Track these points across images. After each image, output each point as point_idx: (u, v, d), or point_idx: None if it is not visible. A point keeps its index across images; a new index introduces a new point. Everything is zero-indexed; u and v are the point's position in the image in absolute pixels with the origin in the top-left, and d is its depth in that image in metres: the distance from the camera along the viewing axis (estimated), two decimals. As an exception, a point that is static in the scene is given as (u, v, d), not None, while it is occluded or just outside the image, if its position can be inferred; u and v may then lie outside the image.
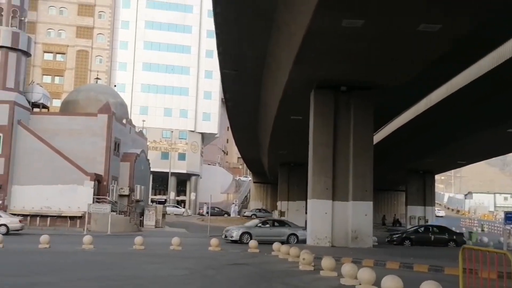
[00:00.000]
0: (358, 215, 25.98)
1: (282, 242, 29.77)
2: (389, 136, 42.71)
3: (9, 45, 42.17)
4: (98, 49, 76.08)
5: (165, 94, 79.22)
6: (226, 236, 30.49)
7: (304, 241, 29.10)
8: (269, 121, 36.76)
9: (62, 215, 39.31)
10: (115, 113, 43.60)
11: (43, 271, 14.90)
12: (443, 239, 34.53)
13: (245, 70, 30.66)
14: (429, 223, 50.97)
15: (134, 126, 50.93)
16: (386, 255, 21.80)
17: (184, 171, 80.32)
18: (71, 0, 75.25)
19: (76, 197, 39.28)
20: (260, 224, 31.54)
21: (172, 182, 77.32)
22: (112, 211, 37.75)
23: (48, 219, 39.39)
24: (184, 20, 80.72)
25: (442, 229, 36.46)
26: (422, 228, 36.72)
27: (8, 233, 29.73)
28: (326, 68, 24.15)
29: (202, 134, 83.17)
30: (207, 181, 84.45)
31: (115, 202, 41.89)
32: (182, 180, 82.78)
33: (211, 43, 79.86)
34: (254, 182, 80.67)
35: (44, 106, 46.51)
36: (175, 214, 64.66)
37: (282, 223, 32.88)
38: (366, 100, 26.68)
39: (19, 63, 42.93)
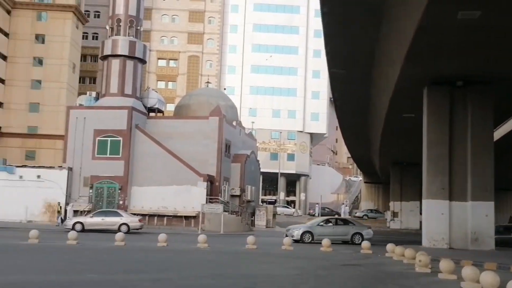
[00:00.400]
0: (478, 216, 24.69)
1: (346, 242, 29.10)
2: None
3: (126, 53, 44.58)
4: (208, 53, 78.39)
5: (273, 96, 79.95)
6: (287, 236, 29.35)
7: (370, 236, 28.86)
8: (380, 120, 35.90)
9: (178, 214, 40.81)
10: (226, 115, 44.62)
11: (162, 268, 15.50)
12: None
13: (354, 68, 30.16)
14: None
15: (243, 128, 51.88)
16: (510, 258, 20.50)
17: (293, 172, 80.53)
18: (182, 7, 78.17)
19: (190, 198, 40.60)
20: (322, 223, 30.35)
21: (281, 182, 77.86)
22: (224, 211, 38.66)
23: (165, 218, 41.06)
24: (291, 21, 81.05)
25: None
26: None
27: (129, 231, 31.29)
28: (440, 63, 23.16)
29: (311, 134, 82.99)
30: (317, 182, 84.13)
31: (227, 202, 42.85)
32: (292, 181, 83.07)
33: (319, 43, 79.52)
34: (365, 182, 79.24)
35: (159, 111, 48.65)
36: (285, 214, 65.02)
37: (346, 222, 31.60)
38: (485, 95, 25.28)
39: (136, 70, 45.22)
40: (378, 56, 27.36)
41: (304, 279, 14.04)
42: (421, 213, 50.23)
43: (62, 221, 38.41)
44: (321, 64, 78.69)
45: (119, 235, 23.10)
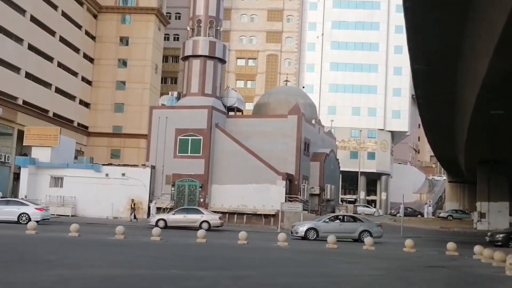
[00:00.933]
0: None
1: (354, 240, 27.91)
2: None
3: (206, 54, 45.26)
4: (287, 52, 78.37)
5: (352, 93, 78.80)
6: (292, 232, 28.53)
7: (380, 234, 27.94)
8: (465, 117, 34.43)
9: (257, 213, 40.97)
10: (304, 114, 44.37)
11: (243, 266, 15.58)
12: None
13: (437, 64, 29.04)
14: None
15: (322, 126, 51.44)
16: None
17: (374, 171, 79.06)
18: (261, 7, 78.61)
19: (270, 196, 40.65)
20: (327, 220, 29.12)
21: (361, 181, 76.68)
22: (303, 210, 38.42)
23: (244, 216, 41.31)
24: (372, 17, 79.55)
25: None
26: None
27: (209, 229, 31.74)
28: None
29: (392, 133, 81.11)
30: (398, 181, 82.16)
31: (306, 201, 42.61)
32: (372, 180, 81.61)
33: (400, 39, 77.61)
34: (449, 182, 76.59)
35: (239, 110, 49.10)
36: (365, 214, 63.78)
37: (354, 219, 30.18)
38: None
39: (216, 70, 45.83)
40: (464, 50, 26.23)
41: (388, 280, 13.68)
42: (511, 214, 48.00)
43: (135, 217, 39.74)
44: (403, 60, 76.82)
45: (200, 233, 23.45)
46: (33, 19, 51.92)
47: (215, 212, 37.10)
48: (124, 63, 64.82)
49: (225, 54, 47.04)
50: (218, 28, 46.48)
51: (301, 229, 28.21)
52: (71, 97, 60.38)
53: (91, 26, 64.22)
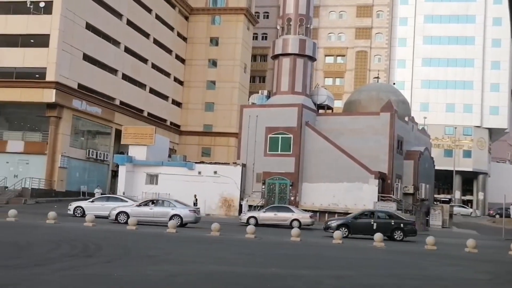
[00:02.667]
0: None
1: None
2: None
3: (296, 52, 45.17)
4: (377, 48, 76.68)
5: (446, 89, 75.86)
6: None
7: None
8: None
9: (349, 212, 40.28)
10: (397, 111, 43.24)
11: (341, 266, 15.28)
12: None
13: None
14: None
15: (416, 124, 49.93)
16: None
17: (470, 169, 75.74)
18: (350, 3, 77.38)
19: (361, 195, 39.96)
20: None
21: (456, 180, 73.70)
22: (397, 209, 37.40)
23: (336, 215, 40.76)
24: (467, 10, 76.21)
25: None
26: None
27: (300, 227, 31.52)
28: None
29: (490, 130, 77.32)
30: (497, 180, 78.17)
31: (400, 200, 41.49)
32: (468, 179, 78.24)
33: (498, 32, 74.24)
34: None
35: (329, 107, 48.65)
36: (461, 215, 61.52)
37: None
38: None
39: (306, 68, 45.63)
40: None
41: (498, 285, 12.91)
42: None
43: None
44: (501, 54, 73.30)
45: (295, 231, 23.34)
46: (129, 23, 53.99)
47: (305, 210, 36.92)
48: (214, 63, 66.01)
49: (315, 52, 46.75)
50: (308, 25, 46.27)
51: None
52: (164, 97, 62.24)
53: (183, 27, 65.90)
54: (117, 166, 44.97)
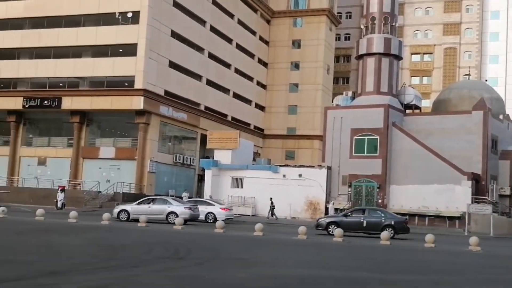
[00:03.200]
0: None
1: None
2: None
3: (381, 51, 44.12)
4: (467, 44, 73.48)
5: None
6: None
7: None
8: None
9: (440, 215, 38.84)
10: (491, 108, 41.24)
11: (437, 270, 14.53)
12: None
13: None
14: None
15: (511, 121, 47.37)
16: None
17: None
18: (437, -2, 74.82)
19: (453, 197, 38.38)
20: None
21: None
22: (493, 211, 35.55)
23: (426, 218, 39.41)
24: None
25: None
26: None
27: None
28: None
29: None
30: None
31: (496, 202, 39.45)
32: None
33: None
34: None
35: (416, 107, 47.17)
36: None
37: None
38: None
39: (391, 67, 44.47)
40: None
41: None
42: None
43: (273, 215, 39.99)
44: None
45: (384, 234, 22.62)
46: (212, 29, 54.79)
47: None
48: (296, 65, 65.77)
49: (401, 50, 45.49)
50: (393, 24, 45.12)
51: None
52: (248, 101, 62.67)
53: (265, 31, 66.17)
54: (203, 170, 45.68)
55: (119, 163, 46.34)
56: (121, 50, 45.78)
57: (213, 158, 45.40)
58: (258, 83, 65.12)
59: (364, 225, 26.34)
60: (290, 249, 18.74)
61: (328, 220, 27.49)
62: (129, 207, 29.82)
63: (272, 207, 40.42)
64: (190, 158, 51.08)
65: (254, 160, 49.07)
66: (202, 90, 53.21)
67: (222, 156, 44.41)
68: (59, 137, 49.18)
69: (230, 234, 23.16)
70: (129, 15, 44.69)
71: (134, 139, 46.30)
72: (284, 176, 43.45)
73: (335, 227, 25.69)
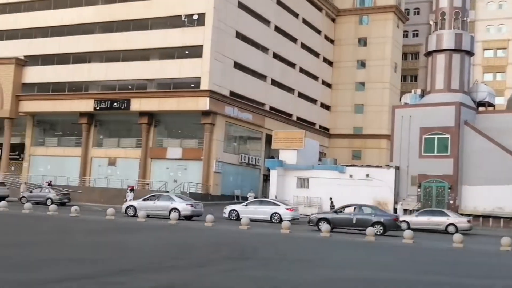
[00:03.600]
0: None
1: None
2: None
3: (452, 47, 42.70)
4: (542, 38, 70.06)
5: None
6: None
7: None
8: None
9: (516, 217, 37.13)
10: None
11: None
12: None
13: None
14: None
15: None
16: None
17: None
18: (510, -8, 71.73)
19: (530, 198, 36.58)
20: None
21: None
22: None
23: (501, 220, 37.73)
24: None
25: None
26: None
27: (456, 232, 29.40)
28: None
29: None
30: None
31: None
32: None
33: None
34: None
35: (490, 105, 45.35)
36: None
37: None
38: None
39: (463, 63, 42.94)
40: None
41: None
42: None
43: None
44: None
45: (457, 237, 21.71)
46: (277, 29, 54.69)
47: (465, 215, 34.51)
48: (362, 64, 64.72)
49: (472, 46, 43.87)
50: (464, 19, 43.53)
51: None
52: (312, 101, 62.19)
53: (330, 30, 65.49)
54: (268, 170, 45.59)
55: (186, 163, 46.99)
56: (187, 52, 46.42)
57: (278, 158, 45.23)
58: (323, 82, 64.50)
59: (354, 221, 26.07)
60: (357, 251, 18.34)
61: (319, 216, 27.37)
62: (136, 203, 31.25)
63: (332, 207, 39.79)
64: (255, 158, 51.15)
65: (319, 160, 48.54)
66: (266, 90, 53.20)
67: (288, 156, 44.16)
68: (128, 138, 50.41)
69: (296, 235, 22.91)
70: (195, 17, 45.25)
71: (200, 140, 46.81)
72: (351, 176, 42.74)
73: (325, 223, 25.52)
